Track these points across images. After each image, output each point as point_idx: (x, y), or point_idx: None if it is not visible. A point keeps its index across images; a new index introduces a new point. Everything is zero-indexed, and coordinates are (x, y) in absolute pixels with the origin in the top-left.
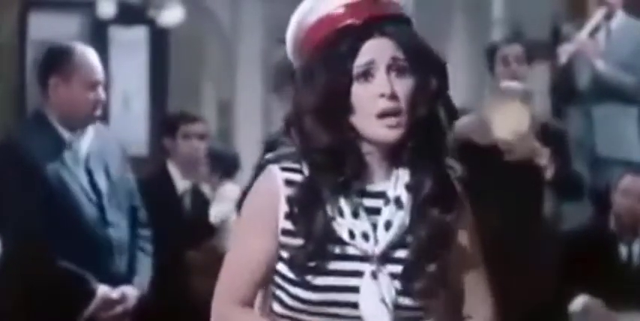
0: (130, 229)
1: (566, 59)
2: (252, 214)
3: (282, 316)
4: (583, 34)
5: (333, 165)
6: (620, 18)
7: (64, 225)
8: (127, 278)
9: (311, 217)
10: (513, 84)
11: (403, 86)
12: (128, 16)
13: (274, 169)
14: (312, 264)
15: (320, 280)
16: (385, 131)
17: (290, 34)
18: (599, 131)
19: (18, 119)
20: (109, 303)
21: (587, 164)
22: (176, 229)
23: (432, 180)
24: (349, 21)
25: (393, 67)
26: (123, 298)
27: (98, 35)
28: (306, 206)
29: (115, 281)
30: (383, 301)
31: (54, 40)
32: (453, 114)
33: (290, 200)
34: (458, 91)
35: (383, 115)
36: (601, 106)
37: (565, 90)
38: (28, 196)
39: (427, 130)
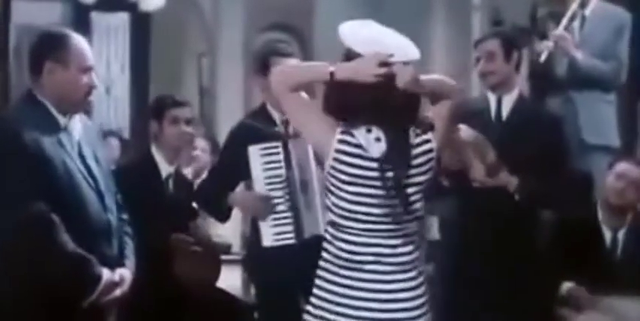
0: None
1: (545, 57)
2: None
3: None
4: (559, 28)
5: None
6: (594, 4)
7: (69, 209)
8: (118, 261)
9: None
10: (465, 133)
11: None
12: (110, 1)
13: None
14: None
15: None
16: None
17: None
18: (583, 118)
19: (2, 101)
20: (110, 286)
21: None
22: (160, 212)
23: None
24: None
25: None
26: (122, 281)
27: (80, 20)
28: None
29: (110, 264)
30: None
31: (37, 25)
32: None
33: None
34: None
35: None
36: (582, 94)
37: (543, 78)
38: (33, 177)
39: None
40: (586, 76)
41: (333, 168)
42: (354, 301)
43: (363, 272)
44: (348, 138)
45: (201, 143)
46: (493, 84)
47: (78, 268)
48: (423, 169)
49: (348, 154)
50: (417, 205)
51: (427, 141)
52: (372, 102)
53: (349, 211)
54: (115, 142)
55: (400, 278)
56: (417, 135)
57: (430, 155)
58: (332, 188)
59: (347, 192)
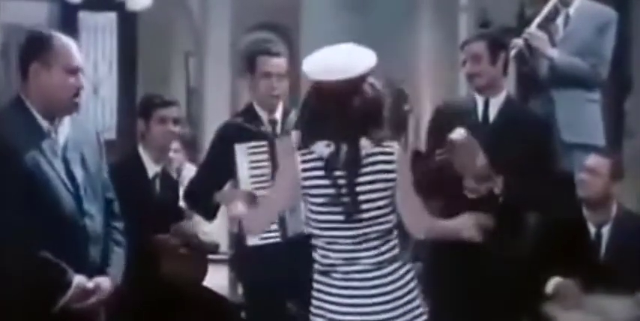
0: (104, 220)
1: (514, 53)
2: None
3: None
4: (532, 27)
5: None
6: (578, 2)
7: (42, 215)
8: (100, 269)
9: None
10: (455, 136)
11: None
12: (97, 0)
13: None
14: None
15: None
16: None
17: None
18: (561, 117)
19: None
20: (83, 293)
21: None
22: (148, 211)
23: None
24: None
25: None
26: (97, 289)
27: (68, 20)
28: None
29: (89, 271)
30: None
31: (23, 24)
32: None
33: None
34: (425, 79)
35: None
36: (562, 93)
37: (527, 78)
38: (5, 184)
39: None
40: (564, 74)
41: (304, 187)
42: (331, 306)
43: (335, 279)
44: (308, 156)
45: (173, 145)
46: (480, 86)
47: (44, 273)
48: (377, 177)
49: (311, 169)
50: (375, 213)
51: (387, 153)
52: (329, 116)
53: (316, 220)
54: None
55: (373, 276)
56: (377, 145)
57: (388, 166)
58: (307, 204)
59: (314, 204)
